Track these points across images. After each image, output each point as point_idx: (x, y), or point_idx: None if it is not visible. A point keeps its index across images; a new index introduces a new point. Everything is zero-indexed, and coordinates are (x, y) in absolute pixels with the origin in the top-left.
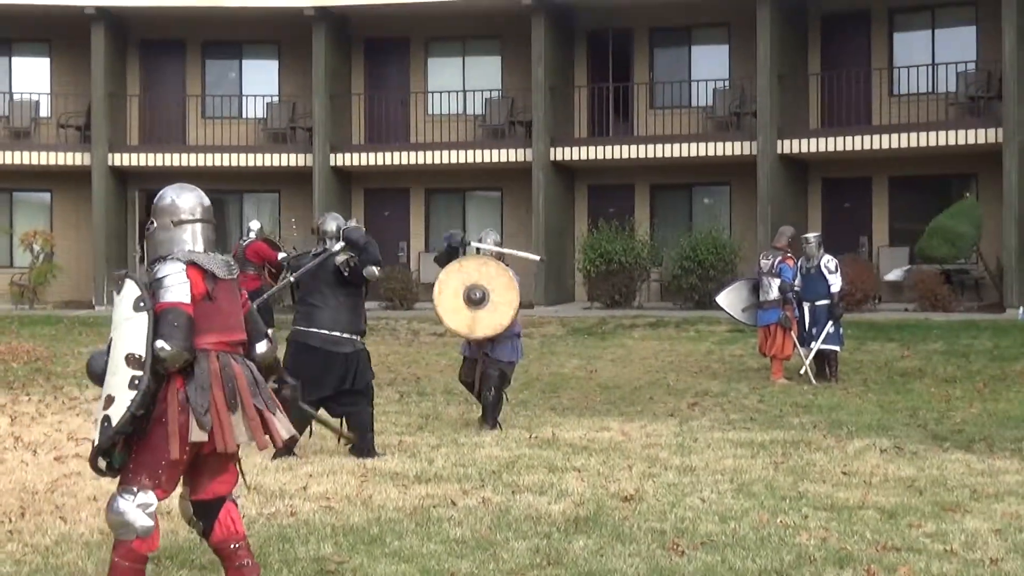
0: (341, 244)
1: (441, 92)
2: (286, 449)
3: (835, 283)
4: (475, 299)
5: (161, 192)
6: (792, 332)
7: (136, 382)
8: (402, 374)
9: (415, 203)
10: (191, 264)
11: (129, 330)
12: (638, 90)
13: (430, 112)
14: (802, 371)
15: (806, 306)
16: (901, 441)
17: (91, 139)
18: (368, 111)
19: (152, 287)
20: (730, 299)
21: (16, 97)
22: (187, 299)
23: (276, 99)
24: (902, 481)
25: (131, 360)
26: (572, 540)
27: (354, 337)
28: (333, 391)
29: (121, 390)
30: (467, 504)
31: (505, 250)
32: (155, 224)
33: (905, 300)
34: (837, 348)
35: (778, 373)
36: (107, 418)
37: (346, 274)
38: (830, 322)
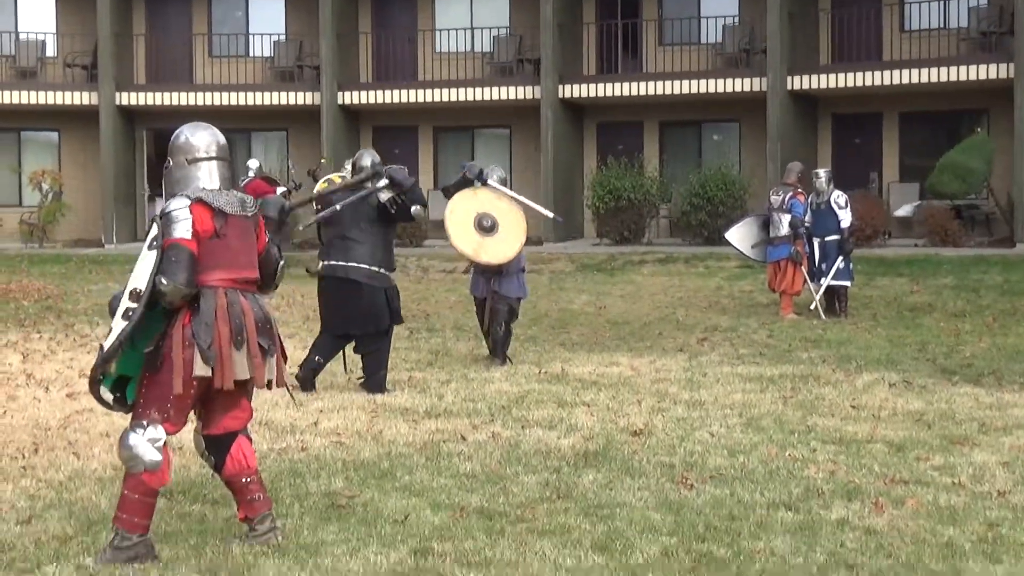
0: (385, 182)
1: (449, 30)
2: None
3: (845, 218)
4: (485, 227)
5: (177, 131)
6: (803, 267)
7: (130, 313)
8: (412, 311)
9: (423, 141)
10: (198, 201)
11: (140, 267)
12: (647, 26)
13: (438, 50)
14: (812, 306)
15: (816, 242)
16: (910, 375)
17: (98, 78)
18: (375, 49)
19: (161, 223)
20: (739, 235)
21: (22, 37)
22: (188, 235)
23: (283, 37)
24: (910, 415)
25: (133, 294)
26: (581, 474)
27: (390, 273)
28: (372, 328)
29: (116, 321)
30: (477, 439)
31: (522, 199)
32: (171, 163)
33: (915, 235)
34: (848, 283)
35: (787, 308)
36: (101, 347)
37: (393, 211)
38: (840, 257)
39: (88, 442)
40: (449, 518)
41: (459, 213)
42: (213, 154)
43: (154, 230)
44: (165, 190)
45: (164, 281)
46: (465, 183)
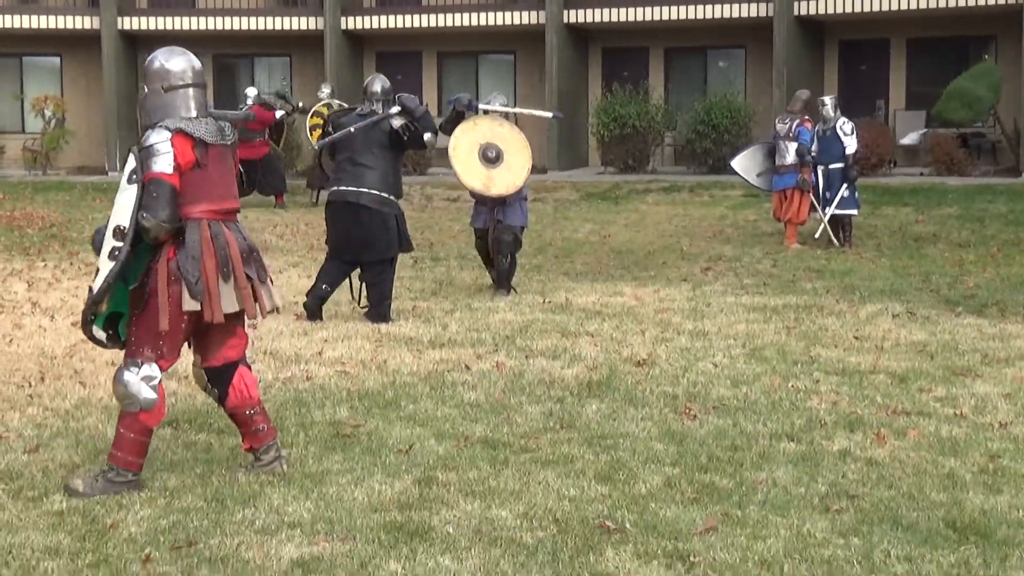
0: (397, 108)
1: None
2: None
3: (850, 145)
4: (491, 157)
5: (150, 56)
6: (810, 195)
7: (116, 252)
8: (416, 240)
9: (427, 67)
10: (178, 132)
11: (120, 202)
12: None
13: None
14: (817, 235)
15: (820, 169)
16: (913, 306)
17: (99, 3)
18: None
19: (141, 156)
20: (745, 163)
21: None
22: (169, 169)
23: None
24: (913, 346)
25: (116, 232)
26: (585, 404)
27: (399, 200)
28: (380, 256)
29: (103, 261)
30: (481, 368)
31: (517, 109)
32: (145, 90)
33: (921, 164)
34: (854, 212)
35: (792, 238)
36: (90, 288)
37: (406, 138)
38: (844, 185)
39: (94, 371)
40: (453, 448)
41: (463, 148)
42: (189, 80)
43: (131, 162)
44: (140, 119)
45: (147, 216)
46: (458, 117)
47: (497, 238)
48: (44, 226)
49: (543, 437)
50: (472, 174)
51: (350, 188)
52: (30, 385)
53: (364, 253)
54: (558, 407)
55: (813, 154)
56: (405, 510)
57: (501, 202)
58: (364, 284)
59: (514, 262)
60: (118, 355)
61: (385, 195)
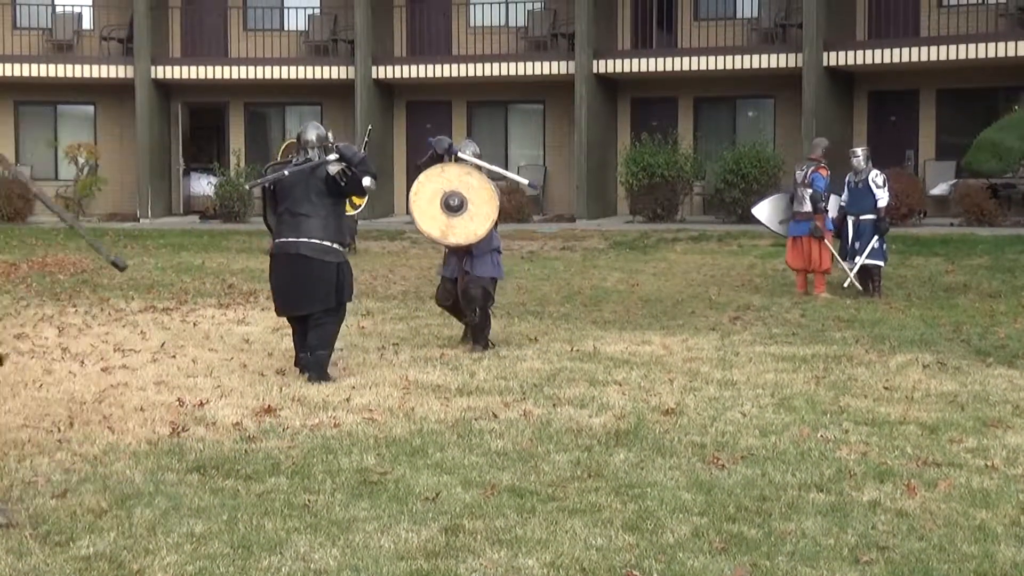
0: (335, 156)
1: (483, 3)
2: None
3: (882, 198)
4: (452, 206)
5: None
6: (827, 242)
7: None
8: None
9: (457, 116)
10: None
11: None
12: (682, 1)
13: (472, 24)
14: (845, 284)
15: (850, 220)
16: (944, 356)
17: (134, 52)
18: (410, 23)
19: None
20: (767, 211)
21: (59, 9)
22: None
23: (317, 11)
24: (944, 396)
25: None
26: (613, 453)
27: (341, 248)
28: (323, 306)
29: None
30: (508, 417)
31: (495, 168)
32: None
33: (951, 214)
34: (881, 263)
35: (820, 287)
36: None
37: (343, 184)
38: (875, 237)
39: (122, 416)
40: (480, 496)
41: (425, 194)
42: None
43: None
44: None
45: None
46: (435, 159)
47: (465, 291)
48: (75, 272)
49: (570, 486)
50: (430, 221)
51: (290, 239)
52: (59, 430)
53: (305, 304)
54: (586, 456)
55: (842, 204)
56: (432, 558)
57: (469, 252)
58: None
59: (487, 317)
60: (147, 401)
61: (327, 243)
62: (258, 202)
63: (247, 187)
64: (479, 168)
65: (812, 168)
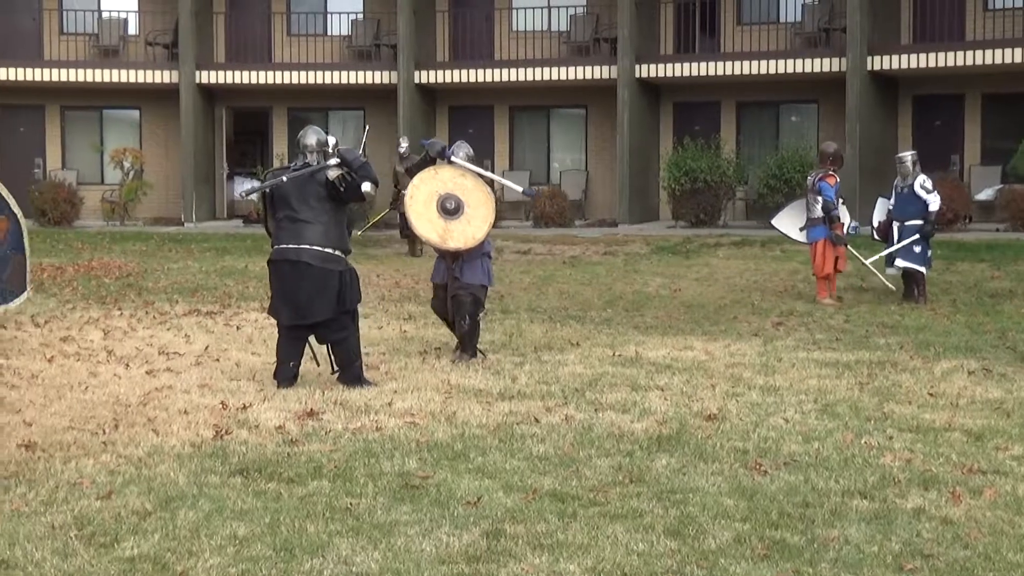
0: (336, 160)
1: (525, 8)
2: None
3: (933, 202)
4: (449, 209)
5: None
6: (839, 248)
7: None
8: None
9: (499, 121)
10: None
11: None
12: (725, 5)
13: (514, 28)
14: (892, 287)
15: (896, 226)
16: (989, 363)
17: (178, 57)
18: (452, 28)
19: None
20: (786, 219)
21: (105, 15)
22: None
23: (360, 16)
24: (989, 403)
25: None
26: (654, 458)
27: (344, 255)
28: (332, 314)
29: None
30: (550, 421)
31: (489, 174)
32: None
33: (996, 220)
34: (923, 269)
35: (822, 292)
36: None
37: (342, 189)
38: (915, 237)
39: (167, 419)
40: (522, 500)
41: (420, 197)
42: None
43: None
44: None
45: None
46: (428, 162)
47: (455, 297)
48: (121, 275)
49: (612, 491)
50: (427, 225)
51: (290, 246)
52: (104, 432)
53: (309, 313)
54: (627, 461)
55: (891, 207)
56: (473, 562)
57: (459, 258)
58: (329, 346)
59: (476, 324)
60: (191, 404)
61: (328, 251)
62: None
63: (242, 195)
64: (476, 172)
65: (820, 175)
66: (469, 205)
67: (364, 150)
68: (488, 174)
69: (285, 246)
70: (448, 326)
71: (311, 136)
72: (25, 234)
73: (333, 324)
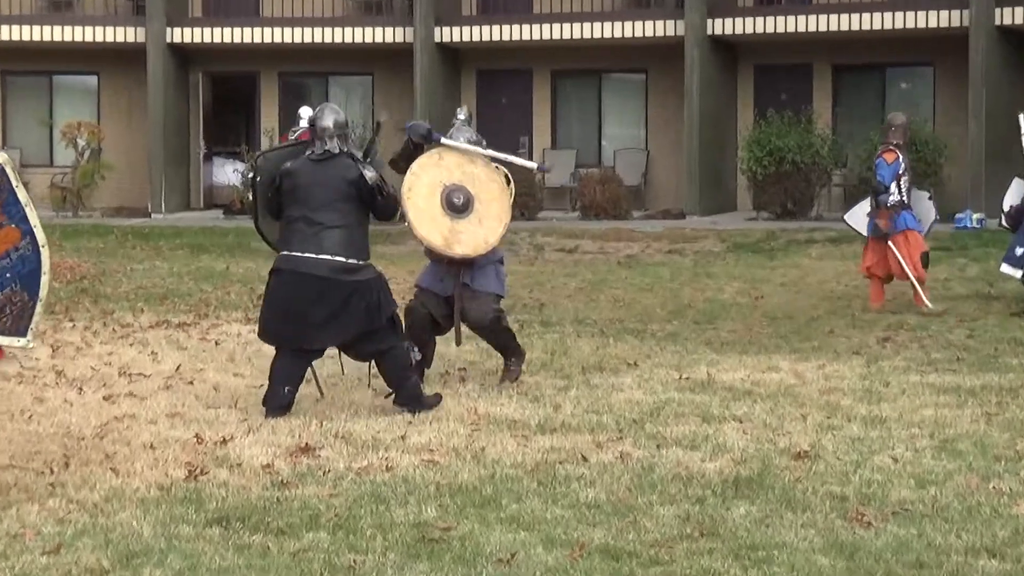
0: (369, 154)
1: None
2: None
3: None
4: (456, 205)
5: None
6: (893, 247)
7: None
8: (522, 299)
9: (539, 88)
10: None
11: None
12: None
13: None
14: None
15: None
16: None
17: (145, 11)
18: None
19: None
20: (861, 215)
21: None
22: None
23: None
24: None
25: None
26: (731, 506)
27: (370, 262)
28: (362, 330)
29: None
30: (601, 460)
31: (495, 154)
32: None
33: None
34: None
35: (875, 298)
36: None
37: (380, 197)
38: None
39: (128, 455)
40: (566, 558)
41: (422, 189)
42: None
43: None
44: None
45: None
46: (415, 149)
47: (473, 317)
48: (73, 279)
49: (678, 546)
50: (429, 225)
51: (306, 255)
52: (52, 472)
53: (321, 337)
54: (697, 509)
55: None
56: None
57: (469, 265)
58: (373, 364)
59: (507, 331)
60: (159, 438)
61: (352, 261)
62: None
63: (249, 176)
64: (477, 154)
65: (880, 151)
66: (480, 200)
67: (375, 147)
68: (490, 152)
69: (299, 254)
70: (421, 347)
71: (328, 117)
72: (45, 273)
73: (373, 335)
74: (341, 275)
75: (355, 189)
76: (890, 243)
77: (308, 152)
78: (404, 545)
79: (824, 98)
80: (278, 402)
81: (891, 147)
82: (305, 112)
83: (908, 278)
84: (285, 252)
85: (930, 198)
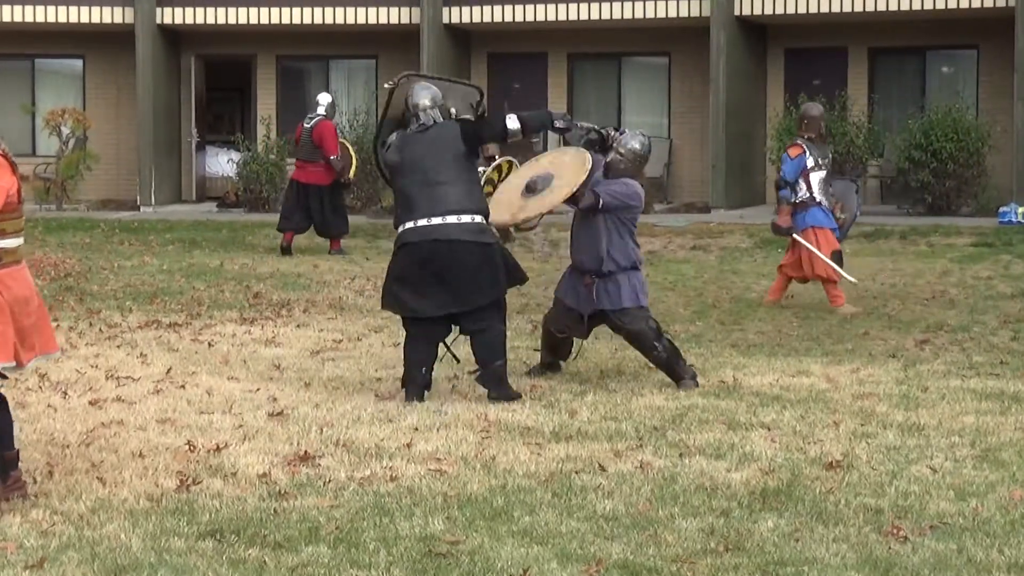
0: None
1: None
2: None
3: None
4: (534, 188)
5: None
6: (803, 242)
7: None
8: (536, 298)
9: (555, 73)
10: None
11: None
12: None
13: None
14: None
15: None
16: None
17: None
18: None
19: None
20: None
21: None
22: None
23: None
24: None
25: None
26: (758, 519)
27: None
28: (485, 300)
29: None
30: (620, 469)
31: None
32: None
33: None
34: None
35: (835, 299)
36: None
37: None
38: None
39: (116, 464)
40: (582, 574)
41: (508, 188)
42: None
43: None
44: None
45: None
46: (601, 142)
47: (625, 331)
48: (57, 276)
49: (702, 561)
50: (500, 209)
51: (432, 222)
52: (35, 481)
53: (473, 297)
54: (722, 523)
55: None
56: None
57: (600, 275)
58: (468, 336)
59: (667, 346)
60: (147, 445)
61: (478, 220)
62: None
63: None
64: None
65: (787, 145)
66: (559, 176)
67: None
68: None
69: (424, 223)
70: (552, 351)
71: (423, 95)
72: None
73: (477, 311)
74: (472, 236)
75: (462, 141)
76: (799, 240)
77: (415, 128)
78: (409, 560)
79: (860, 83)
80: (418, 382)
81: (798, 142)
82: (324, 98)
83: (820, 276)
84: (409, 224)
85: (857, 191)
